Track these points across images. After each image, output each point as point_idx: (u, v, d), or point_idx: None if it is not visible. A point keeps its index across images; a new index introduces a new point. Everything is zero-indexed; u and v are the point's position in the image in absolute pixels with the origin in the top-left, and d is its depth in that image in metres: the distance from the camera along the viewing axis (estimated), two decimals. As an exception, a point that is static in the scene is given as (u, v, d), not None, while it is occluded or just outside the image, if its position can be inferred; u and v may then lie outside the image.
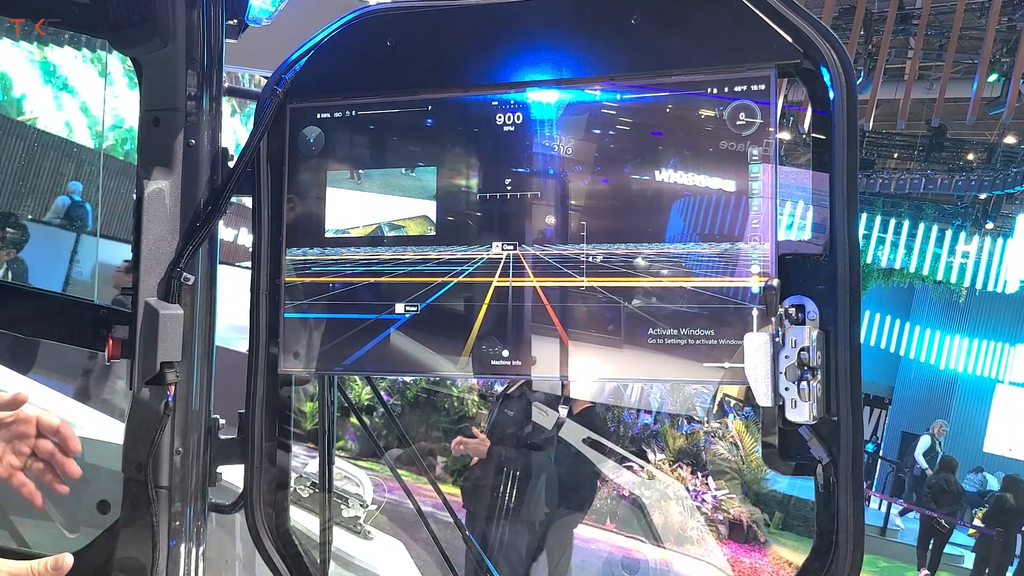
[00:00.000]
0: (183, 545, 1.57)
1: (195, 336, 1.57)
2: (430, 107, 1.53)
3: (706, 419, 10.38)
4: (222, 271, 1.64)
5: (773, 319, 1.30)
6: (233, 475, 1.68)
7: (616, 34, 1.42)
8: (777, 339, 1.30)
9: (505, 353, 1.49)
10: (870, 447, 18.98)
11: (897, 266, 18.07)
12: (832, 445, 1.30)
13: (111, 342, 1.57)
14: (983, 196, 17.18)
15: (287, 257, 1.60)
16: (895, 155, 18.32)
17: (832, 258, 1.31)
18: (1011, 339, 19.56)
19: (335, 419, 1.84)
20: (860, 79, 12.02)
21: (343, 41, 1.56)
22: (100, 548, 1.67)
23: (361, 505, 2.54)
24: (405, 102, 1.55)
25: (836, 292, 1.29)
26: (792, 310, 1.31)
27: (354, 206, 1.57)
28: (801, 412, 1.28)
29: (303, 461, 2.29)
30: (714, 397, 10.71)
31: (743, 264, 1.35)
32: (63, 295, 1.83)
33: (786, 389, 1.28)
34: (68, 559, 1.26)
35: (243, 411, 1.63)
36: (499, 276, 1.48)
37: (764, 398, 1.30)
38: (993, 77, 11.96)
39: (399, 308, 1.54)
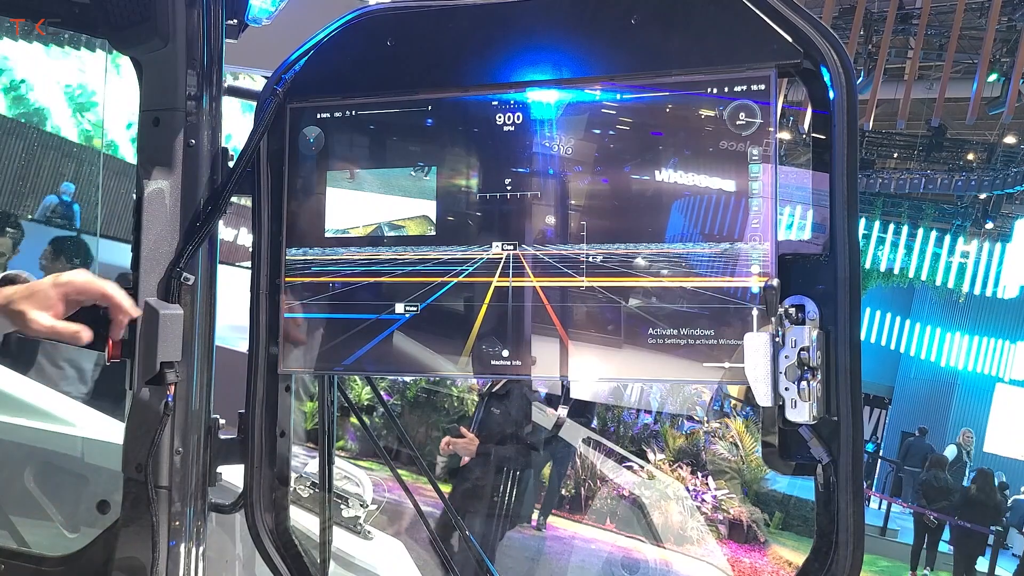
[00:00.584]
0: (183, 545, 1.57)
1: (195, 336, 1.57)
2: (430, 107, 1.53)
3: (707, 419, 10.39)
4: (222, 271, 1.64)
5: (773, 319, 1.30)
6: (233, 475, 1.68)
7: (616, 34, 1.42)
8: (777, 339, 1.30)
9: (505, 353, 1.49)
10: (870, 447, 18.97)
11: (896, 271, 18.10)
12: (832, 445, 1.30)
13: (111, 342, 1.57)
14: (983, 196, 17.18)
15: (287, 257, 1.60)
16: (895, 155, 18.32)
17: (832, 258, 1.31)
18: (1012, 336, 19.56)
19: (335, 419, 1.84)
20: (860, 79, 12.02)
21: (343, 41, 1.56)
22: (100, 548, 1.67)
23: (361, 505, 2.54)
24: (405, 102, 1.55)
25: (836, 292, 1.30)
26: (792, 310, 1.31)
27: (354, 206, 1.57)
28: (801, 412, 1.28)
29: (303, 461, 2.29)
30: (713, 397, 10.71)
31: (743, 264, 1.35)
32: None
33: (786, 389, 1.28)
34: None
35: (243, 411, 1.64)
36: (499, 276, 1.48)
37: (764, 398, 1.30)
38: (993, 77, 11.96)
39: (399, 308, 1.54)
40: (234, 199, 1.59)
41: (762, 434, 1.37)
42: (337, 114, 1.58)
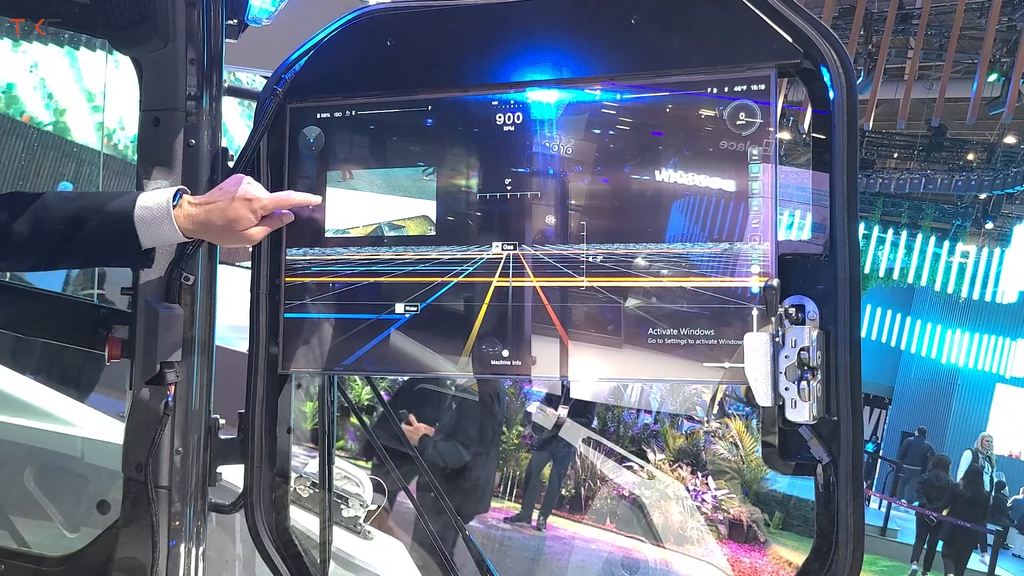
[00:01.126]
0: (183, 545, 1.57)
1: (195, 336, 1.57)
2: (430, 107, 1.53)
3: (706, 419, 10.38)
4: (222, 271, 1.64)
5: (773, 319, 1.30)
6: (233, 475, 1.68)
7: (616, 34, 1.42)
8: (777, 339, 1.30)
9: (505, 353, 1.49)
10: (870, 447, 18.97)
11: (896, 275, 18.12)
12: (832, 445, 1.30)
13: (111, 342, 1.57)
14: (983, 196, 17.17)
15: (287, 257, 1.60)
16: (895, 155, 18.31)
17: (832, 258, 1.31)
18: (1012, 334, 19.56)
19: (335, 419, 1.84)
20: (860, 79, 12.01)
21: (343, 41, 1.56)
22: (100, 548, 1.67)
23: (361, 505, 2.54)
24: (405, 102, 1.55)
25: (836, 292, 1.30)
26: (792, 310, 1.31)
27: (354, 206, 1.57)
28: (801, 412, 1.28)
29: (303, 461, 2.29)
30: (714, 397, 10.71)
31: (743, 264, 1.35)
32: (63, 295, 1.83)
33: (786, 389, 1.28)
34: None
35: (243, 411, 1.64)
36: (499, 276, 1.48)
37: (764, 398, 1.30)
38: (993, 77, 11.95)
39: (399, 308, 1.54)
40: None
41: (762, 434, 1.37)
42: (337, 114, 1.58)
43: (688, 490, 9.07)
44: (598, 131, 1.44)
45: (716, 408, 10.83)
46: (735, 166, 1.36)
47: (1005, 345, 19.63)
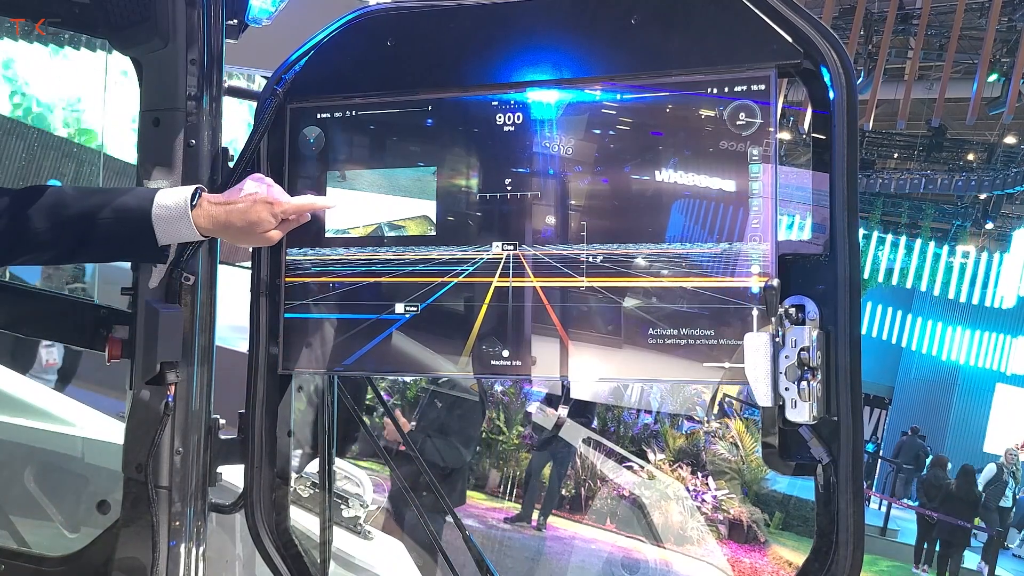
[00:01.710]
0: (183, 545, 1.57)
1: (195, 336, 1.57)
2: (430, 107, 1.53)
3: (706, 419, 10.38)
4: (222, 271, 1.64)
5: (773, 319, 1.30)
6: (233, 475, 1.68)
7: (616, 34, 1.42)
8: (777, 339, 1.30)
9: (505, 353, 1.49)
10: (870, 447, 18.97)
11: (894, 280, 18.13)
12: (832, 445, 1.30)
13: (111, 342, 1.57)
14: (983, 196, 17.17)
15: (287, 257, 1.60)
16: (895, 155, 18.30)
17: (832, 258, 1.31)
18: (1012, 331, 19.55)
19: (335, 419, 1.84)
20: (860, 79, 12.01)
21: (343, 41, 1.56)
22: (100, 548, 1.67)
23: (361, 505, 2.54)
24: (405, 102, 1.55)
25: (836, 292, 1.30)
26: (792, 310, 1.31)
27: (354, 206, 1.57)
28: (801, 412, 1.28)
29: (303, 461, 2.29)
30: (714, 397, 10.71)
31: (743, 264, 1.35)
32: (63, 295, 1.83)
33: (786, 389, 1.28)
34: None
35: (243, 411, 1.63)
36: (499, 276, 1.48)
37: (764, 398, 1.30)
38: (993, 77, 11.95)
39: (399, 308, 1.54)
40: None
41: (762, 434, 1.37)
42: (337, 114, 1.58)
43: (688, 490, 9.07)
44: (598, 131, 1.44)
45: (716, 408, 10.83)
46: (735, 166, 1.36)
47: (1005, 342, 19.62)
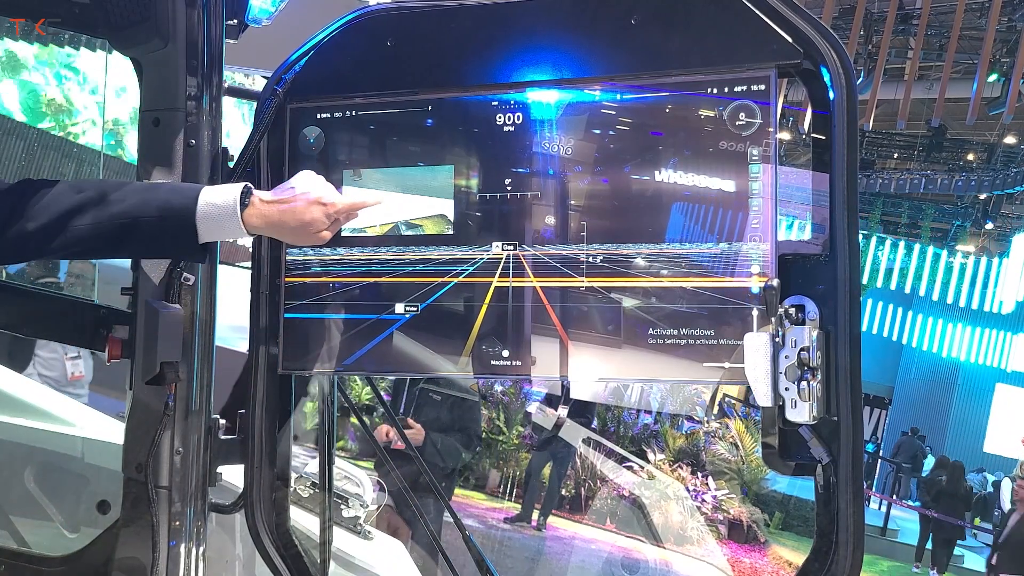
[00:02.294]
0: (183, 545, 1.57)
1: (195, 336, 1.57)
2: (430, 107, 1.53)
3: (706, 419, 10.38)
4: (222, 271, 1.64)
5: (773, 319, 1.30)
6: (233, 475, 1.68)
7: (616, 34, 1.42)
8: (777, 339, 1.30)
9: (505, 353, 1.49)
10: (870, 447, 18.97)
11: (892, 286, 18.15)
12: (832, 445, 1.30)
13: (111, 342, 1.56)
14: (983, 196, 17.17)
15: (287, 257, 1.60)
16: (895, 155, 18.30)
17: (832, 258, 1.31)
18: (1013, 328, 19.53)
19: (335, 419, 1.84)
20: (860, 79, 12.01)
21: (343, 41, 1.56)
22: (100, 548, 1.67)
23: (361, 505, 2.54)
24: (405, 102, 1.55)
25: (836, 292, 1.30)
26: (792, 310, 1.31)
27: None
28: (801, 412, 1.28)
29: (303, 461, 2.29)
30: (713, 397, 10.71)
31: (743, 264, 1.35)
32: (63, 295, 1.83)
33: (786, 389, 1.28)
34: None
35: (243, 411, 1.63)
36: (499, 276, 1.48)
37: (764, 398, 1.30)
38: (993, 77, 11.95)
39: (399, 308, 1.54)
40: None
41: (762, 434, 1.37)
42: (337, 114, 1.58)
43: (688, 490, 9.06)
44: (598, 131, 1.44)
45: (716, 408, 10.83)
46: (735, 166, 1.36)
47: (1006, 339, 19.61)
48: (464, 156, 1.53)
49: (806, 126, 12.73)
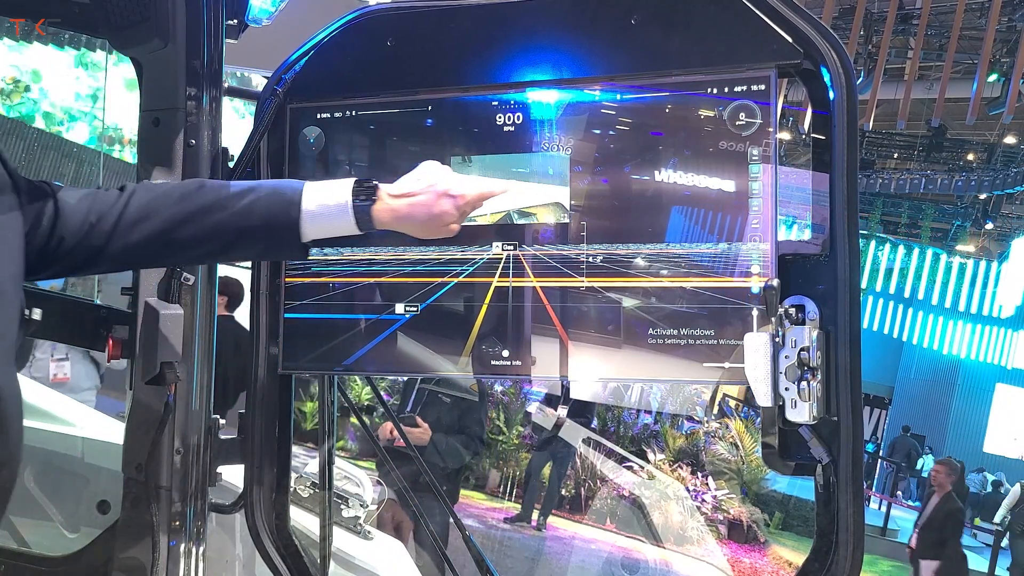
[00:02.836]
0: (183, 545, 1.57)
1: (195, 336, 1.57)
2: (430, 107, 1.53)
3: (706, 419, 10.38)
4: (222, 271, 1.64)
5: (773, 319, 1.30)
6: (233, 475, 1.68)
7: (616, 34, 1.42)
8: (777, 339, 1.30)
9: (505, 353, 1.49)
10: (870, 447, 18.97)
11: (892, 289, 18.16)
12: (832, 445, 1.30)
13: (111, 342, 1.57)
14: (983, 196, 17.17)
15: (287, 257, 1.60)
16: (895, 155, 18.30)
17: (832, 258, 1.31)
18: (1014, 325, 19.52)
19: (335, 419, 1.84)
20: (860, 79, 12.01)
21: (343, 41, 1.56)
22: (100, 548, 1.67)
23: (361, 505, 2.54)
24: (405, 102, 1.55)
25: (836, 292, 1.30)
26: (792, 310, 1.31)
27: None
28: (801, 412, 1.28)
29: (303, 461, 2.29)
30: (713, 397, 10.71)
31: (743, 264, 1.36)
32: (63, 295, 1.82)
33: (786, 389, 1.28)
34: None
35: (243, 411, 1.63)
36: (499, 276, 1.48)
37: (764, 398, 1.30)
38: (993, 77, 11.95)
39: (399, 308, 1.54)
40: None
41: (762, 434, 1.37)
42: (337, 114, 1.58)
43: (688, 490, 9.06)
44: (598, 131, 1.44)
45: (716, 408, 10.83)
46: (735, 166, 1.36)
47: (1007, 336, 19.59)
48: (464, 156, 1.53)
49: (806, 126, 12.73)
